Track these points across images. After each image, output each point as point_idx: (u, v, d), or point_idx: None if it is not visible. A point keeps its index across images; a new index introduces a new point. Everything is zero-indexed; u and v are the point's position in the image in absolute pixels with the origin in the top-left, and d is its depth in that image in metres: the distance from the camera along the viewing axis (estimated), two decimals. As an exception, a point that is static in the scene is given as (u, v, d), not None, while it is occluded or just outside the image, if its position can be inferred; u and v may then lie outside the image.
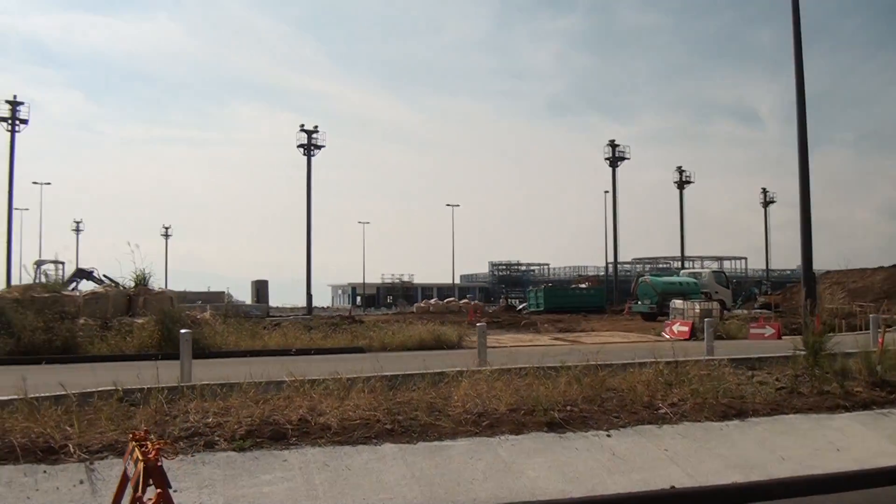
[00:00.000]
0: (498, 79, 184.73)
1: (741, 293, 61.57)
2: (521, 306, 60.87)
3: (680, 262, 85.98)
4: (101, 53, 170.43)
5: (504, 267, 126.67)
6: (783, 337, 23.10)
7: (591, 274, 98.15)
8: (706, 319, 16.13)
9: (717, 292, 44.18)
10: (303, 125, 64.21)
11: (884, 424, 9.69)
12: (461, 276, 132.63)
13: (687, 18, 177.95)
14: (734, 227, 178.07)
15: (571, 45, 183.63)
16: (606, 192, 74.58)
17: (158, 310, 21.95)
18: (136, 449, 4.75)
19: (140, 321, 22.03)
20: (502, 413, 8.78)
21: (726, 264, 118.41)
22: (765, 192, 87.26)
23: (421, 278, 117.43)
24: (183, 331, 12.54)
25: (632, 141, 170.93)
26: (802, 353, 11.93)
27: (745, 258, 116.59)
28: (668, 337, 24.40)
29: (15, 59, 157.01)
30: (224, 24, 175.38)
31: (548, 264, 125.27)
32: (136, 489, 4.51)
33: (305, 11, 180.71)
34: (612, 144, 73.94)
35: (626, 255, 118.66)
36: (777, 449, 8.46)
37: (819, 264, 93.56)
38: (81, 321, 22.57)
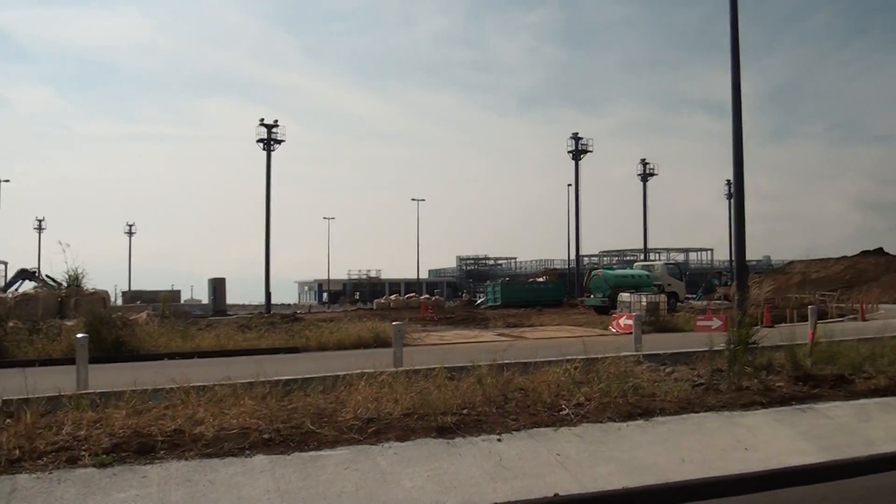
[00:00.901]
0: (470, 72, 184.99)
1: (702, 284, 61.53)
2: (479, 301, 60.46)
3: (643, 255, 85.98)
4: (70, 48, 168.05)
5: (472, 261, 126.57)
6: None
7: (556, 267, 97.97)
8: (635, 314, 15.73)
9: (669, 284, 43.94)
10: (262, 119, 63.19)
11: (800, 421, 9.31)
12: (429, 271, 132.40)
13: (658, 12, 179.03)
14: (704, 218, 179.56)
15: (543, 39, 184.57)
16: (570, 185, 74.31)
17: (89, 311, 21.27)
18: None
19: (69, 323, 21.31)
20: (394, 418, 8.32)
21: (692, 256, 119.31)
22: (729, 184, 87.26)
23: (390, 273, 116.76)
24: (79, 335, 11.95)
25: (604, 134, 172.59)
26: (724, 348, 11.58)
27: (711, 249, 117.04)
28: (614, 331, 24.09)
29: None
30: (195, 18, 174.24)
31: (515, 258, 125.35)
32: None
33: (277, 6, 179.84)
34: (576, 137, 73.66)
35: (595, 248, 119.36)
36: (679, 450, 8.04)
37: (788, 254, 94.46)
38: (11, 324, 21.78)
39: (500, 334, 25.66)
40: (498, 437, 8.02)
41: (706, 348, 12.24)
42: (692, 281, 72.54)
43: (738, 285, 15.13)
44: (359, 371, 10.01)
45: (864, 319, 32.52)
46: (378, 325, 23.03)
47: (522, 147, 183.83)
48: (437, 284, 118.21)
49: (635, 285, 37.88)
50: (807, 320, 31.27)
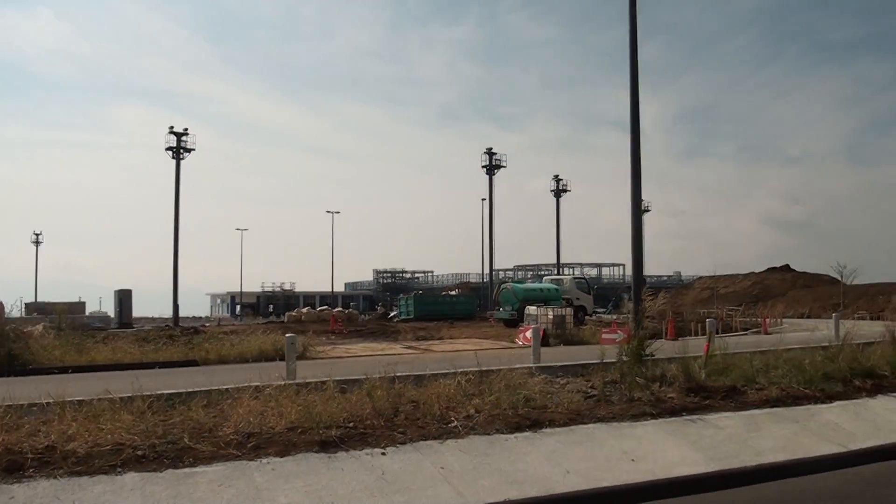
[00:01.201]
0: (390, 85, 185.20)
1: (612, 298, 62.74)
2: (392, 314, 60.16)
3: (556, 269, 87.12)
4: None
5: (388, 274, 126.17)
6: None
7: (471, 281, 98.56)
8: (533, 327, 15.81)
9: (578, 298, 44.57)
10: (172, 127, 61.57)
11: (689, 431, 9.41)
12: (345, 284, 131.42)
13: (575, 33, 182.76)
14: (618, 234, 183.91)
15: (463, 55, 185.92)
16: (484, 199, 74.66)
17: (-25, 324, 20.17)
18: None
19: (-46, 337, 20.17)
20: (277, 433, 8.04)
21: (605, 271, 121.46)
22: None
23: (305, 286, 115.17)
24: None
25: (522, 150, 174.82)
26: (617, 360, 11.69)
27: (623, 265, 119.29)
28: (520, 343, 24.17)
29: None
30: (114, 24, 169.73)
31: (432, 272, 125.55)
32: None
33: (198, 14, 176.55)
34: (489, 152, 74.04)
35: (511, 262, 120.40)
36: (566, 461, 8.00)
37: (702, 270, 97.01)
38: None
39: (408, 347, 25.48)
40: (382, 450, 7.84)
41: (605, 360, 12.30)
42: (604, 295, 74.04)
43: (634, 299, 15.33)
44: (246, 384, 9.69)
45: (766, 333, 33.53)
46: (280, 338, 22.50)
47: (441, 161, 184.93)
48: (353, 298, 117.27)
49: (544, 299, 38.23)
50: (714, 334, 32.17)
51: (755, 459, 8.68)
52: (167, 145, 62.11)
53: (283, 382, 10.28)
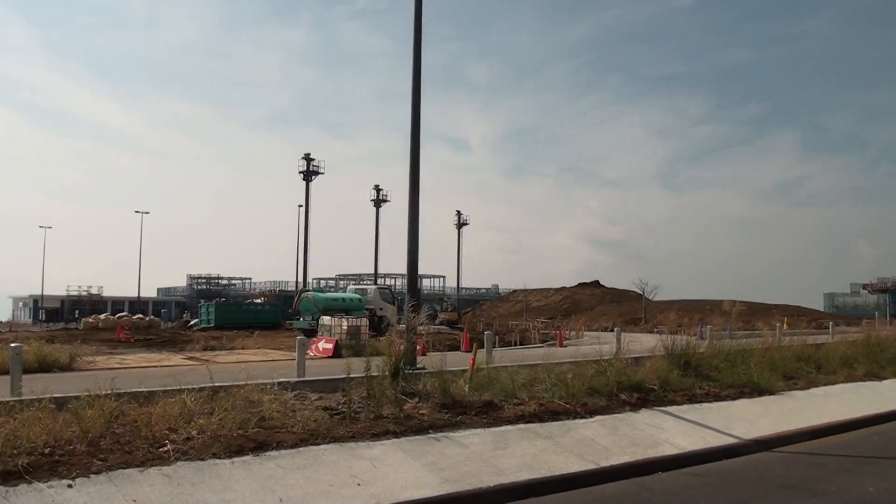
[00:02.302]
0: (219, 84, 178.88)
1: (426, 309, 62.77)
2: (192, 322, 57.47)
3: (374, 279, 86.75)
4: None
5: (203, 280, 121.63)
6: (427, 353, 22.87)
7: (290, 290, 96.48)
8: (298, 338, 15.05)
9: (381, 308, 44.17)
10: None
11: (430, 451, 8.91)
12: (158, 290, 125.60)
13: (407, 48, 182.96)
14: (442, 246, 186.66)
15: (296, 59, 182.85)
16: (300, 205, 72.71)
17: None
18: None
19: None
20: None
21: (426, 282, 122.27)
22: (459, 214, 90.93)
23: (117, 291, 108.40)
24: None
25: (353, 160, 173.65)
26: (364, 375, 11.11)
27: (444, 276, 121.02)
28: (312, 354, 23.29)
29: None
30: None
31: (250, 278, 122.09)
32: None
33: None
34: (307, 158, 72.54)
35: (334, 271, 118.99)
36: (281, 488, 7.26)
37: (520, 283, 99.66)
38: None
39: (189, 358, 23.97)
40: (70, 482, 6.81)
41: (369, 374, 11.66)
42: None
43: (411, 310, 14.89)
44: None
45: (560, 346, 34.26)
46: (42, 348, 20.48)
47: (268, 166, 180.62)
48: (165, 304, 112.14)
49: (345, 308, 37.50)
50: (510, 346, 32.51)
51: (495, 479, 8.30)
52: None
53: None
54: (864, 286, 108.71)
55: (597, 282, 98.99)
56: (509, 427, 10.15)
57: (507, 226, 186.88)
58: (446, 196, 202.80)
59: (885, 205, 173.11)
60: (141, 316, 57.49)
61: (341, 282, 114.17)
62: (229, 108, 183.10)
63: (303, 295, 43.33)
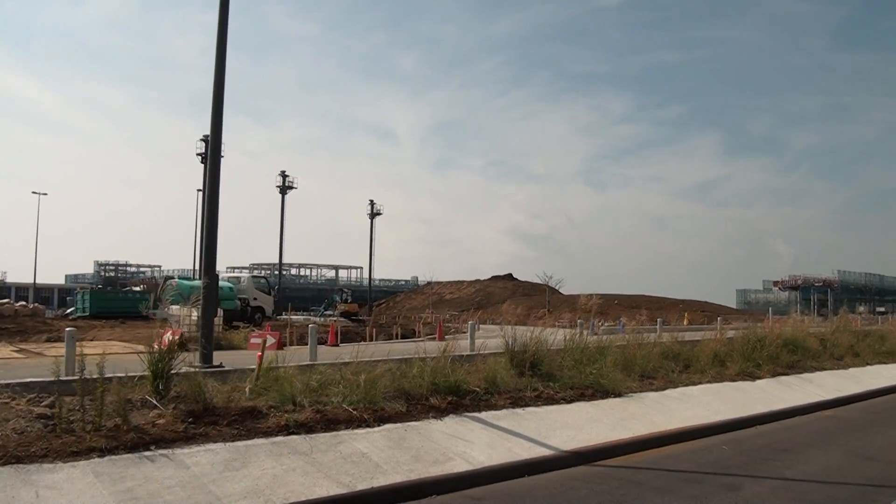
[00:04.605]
0: (138, 64, 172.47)
1: (324, 300, 60.91)
2: (69, 310, 54.10)
3: (279, 268, 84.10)
4: None
5: (112, 267, 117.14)
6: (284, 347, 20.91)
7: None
8: (68, 330, 12.98)
9: (255, 298, 41.94)
10: None
11: (133, 474, 7.04)
12: (66, 276, 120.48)
13: (338, 34, 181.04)
14: (365, 237, 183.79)
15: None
16: (199, 190, 67.95)
17: None
18: None
19: None
20: None
21: (342, 273, 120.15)
22: (372, 204, 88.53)
23: (21, 276, 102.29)
24: None
25: (276, 147, 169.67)
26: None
27: (361, 267, 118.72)
28: (156, 348, 21.05)
29: None
30: None
31: (160, 266, 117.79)
32: None
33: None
34: (206, 140, 68.69)
35: (248, 261, 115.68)
36: None
37: (443, 276, 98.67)
38: None
39: (20, 350, 21.55)
40: None
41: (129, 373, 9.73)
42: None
43: (204, 307, 13.08)
44: None
45: (440, 339, 32.61)
46: None
47: (186, 150, 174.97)
48: (72, 291, 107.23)
49: (215, 298, 35.20)
50: (391, 339, 30.77)
51: (205, 512, 6.49)
52: None
53: None
54: (776, 283, 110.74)
55: (510, 275, 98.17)
56: (261, 440, 8.33)
57: (434, 218, 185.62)
58: (372, 187, 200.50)
59: (802, 206, 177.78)
60: (24, 303, 53.85)
61: (255, 270, 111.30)
62: (147, 90, 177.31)
63: (167, 282, 40.76)
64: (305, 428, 8.84)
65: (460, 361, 12.79)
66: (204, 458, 7.64)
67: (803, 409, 15.15)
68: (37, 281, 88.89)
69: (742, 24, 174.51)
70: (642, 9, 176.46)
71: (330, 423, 9.14)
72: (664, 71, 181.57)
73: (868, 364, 22.50)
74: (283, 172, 75.38)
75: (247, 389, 10.10)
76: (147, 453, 7.57)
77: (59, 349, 21.92)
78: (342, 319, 47.52)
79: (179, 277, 47.47)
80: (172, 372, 9.72)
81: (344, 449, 8.48)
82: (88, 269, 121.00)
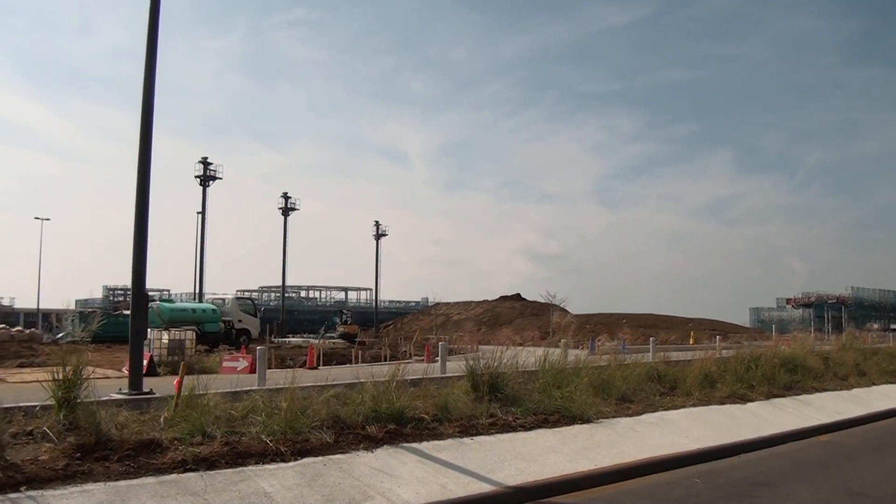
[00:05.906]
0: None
1: (325, 322, 60.01)
2: (60, 335, 53.36)
3: (282, 291, 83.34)
4: None
5: (121, 291, 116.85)
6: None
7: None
8: None
9: (241, 321, 40.95)
10: None
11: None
12: (76, 301, 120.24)
13: (347, 58, 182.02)
14: (381, 260, 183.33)
15: (229, 67, 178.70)
16: (199, 212, 67.43)
17: None
18: None
19: None
20: None
21: (351, 294, 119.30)
22: (377, 225, 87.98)
23: (30, 302, 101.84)
24: None
25: (289, 170, 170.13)
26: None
27: (370, 289, 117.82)
28: (125, 371, 20.31)
29: None
30: None
31: (168, 290, 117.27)
32: None
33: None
34: (204, 162, 68.19)
35: (257, 284, 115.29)
36: None
37: (454, 297, 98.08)
38: None
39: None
40: None
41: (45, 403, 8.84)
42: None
43: (133, 327, 12.23)
44: None
45: (428, 362, 31.58)
46: None
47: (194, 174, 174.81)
48: (60, 315, 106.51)
49: (197, 321, 34.43)
50: (378, 360, 29.80)
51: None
52: None
53: None
54: (788, 301, 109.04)
55: (518, 295, 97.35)
56: (150, 479, 7.35)
57: (446, 239, 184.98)
58: (384, 209, 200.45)
59: (815, 223, 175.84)
60: (20, 329, 53.39)
61: (264, 293, 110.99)
62: (162, 116, 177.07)
63: (148, 305, 39.85)
64: (207, 463, 7.86)
65: (418, 385, 11.87)
66: (75, 501, 6.70)
67: (796, 434, 14.02)
68: (47, 306, 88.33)
69: (751, 42, 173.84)
70: (649, 28, 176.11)
71: (239, 456, 8.16)
72: (674, 89, 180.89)
73: (874, 384, 21.25)
74: (285, 194, 75.05)
75: (161, 419, 9.19)
76: (13, 495, 6.64)
77: (27, 374, 21.20)
78: (340, 341, 46.64)
79: (161, 300, 46.59)
80: (78, 401, 8.80)
81: (244, 488, 7.50)
82: (98, 293, 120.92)
